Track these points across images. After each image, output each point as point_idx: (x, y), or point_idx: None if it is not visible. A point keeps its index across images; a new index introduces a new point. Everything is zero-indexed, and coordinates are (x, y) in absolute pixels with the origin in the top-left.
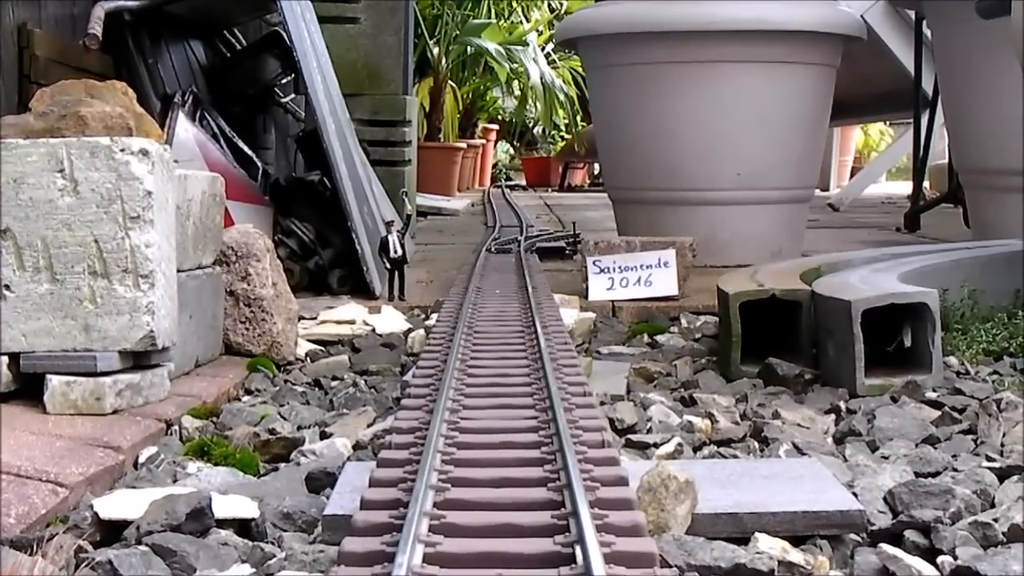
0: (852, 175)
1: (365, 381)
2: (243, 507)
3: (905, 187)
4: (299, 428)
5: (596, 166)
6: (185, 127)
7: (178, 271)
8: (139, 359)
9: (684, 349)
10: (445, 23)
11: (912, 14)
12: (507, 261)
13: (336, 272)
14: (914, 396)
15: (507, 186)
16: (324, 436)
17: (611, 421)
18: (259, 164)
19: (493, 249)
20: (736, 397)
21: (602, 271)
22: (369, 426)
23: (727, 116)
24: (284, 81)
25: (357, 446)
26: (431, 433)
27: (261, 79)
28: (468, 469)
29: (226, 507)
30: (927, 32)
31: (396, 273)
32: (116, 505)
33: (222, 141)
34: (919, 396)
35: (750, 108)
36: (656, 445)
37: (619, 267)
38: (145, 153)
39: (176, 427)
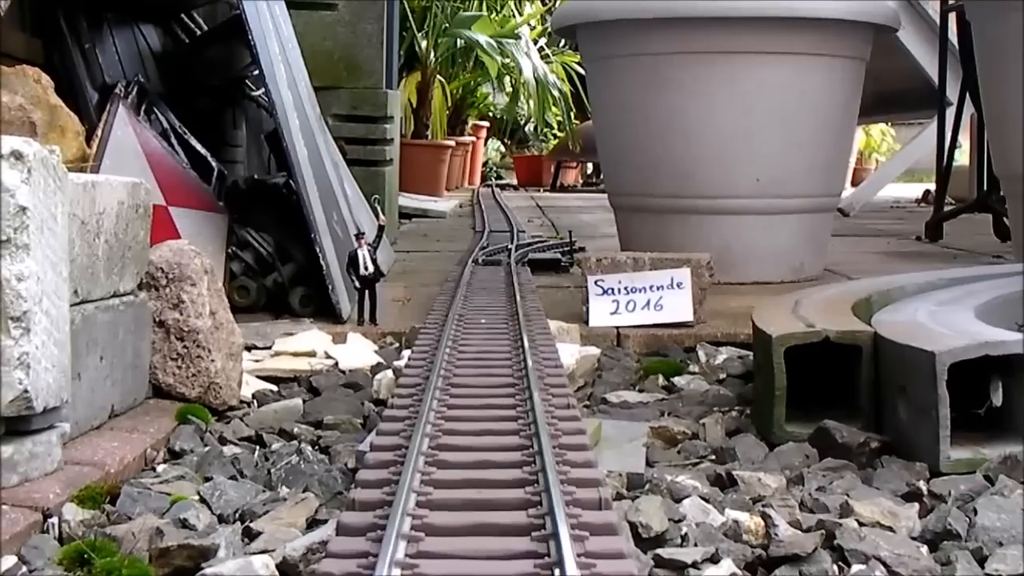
0: (854, 177)
1: (316, 442)
2: None
3: (911, 190)
4: (220, 519)
5: (589, 165)
6: (125, 122)
7: (84, 302)
8: (13, 425)
9: (708, 395)
10: (434, 15)
11: (935, 9)
12: (496, 276)
13: (298, 291)
14: (1013, 475)
15: (497, 185)
16: (248, 535)
17: (633, 526)
18: (214, 165)
19: (480, 260)
20: (787, 475)
21: (605, 292)
22: (308, 525)
23: (745, 114)
24: (256, 72)
25: (283, 567)
26: None
27: (228, 69)
28: None
29: None
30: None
31: (367, 293)
32: None
33: (173, 138)
34: (1020, 476)
35: (771, 105)
36: (696, 565)
37: (625, 288)
38: (19, 157)
39: (56, 520)
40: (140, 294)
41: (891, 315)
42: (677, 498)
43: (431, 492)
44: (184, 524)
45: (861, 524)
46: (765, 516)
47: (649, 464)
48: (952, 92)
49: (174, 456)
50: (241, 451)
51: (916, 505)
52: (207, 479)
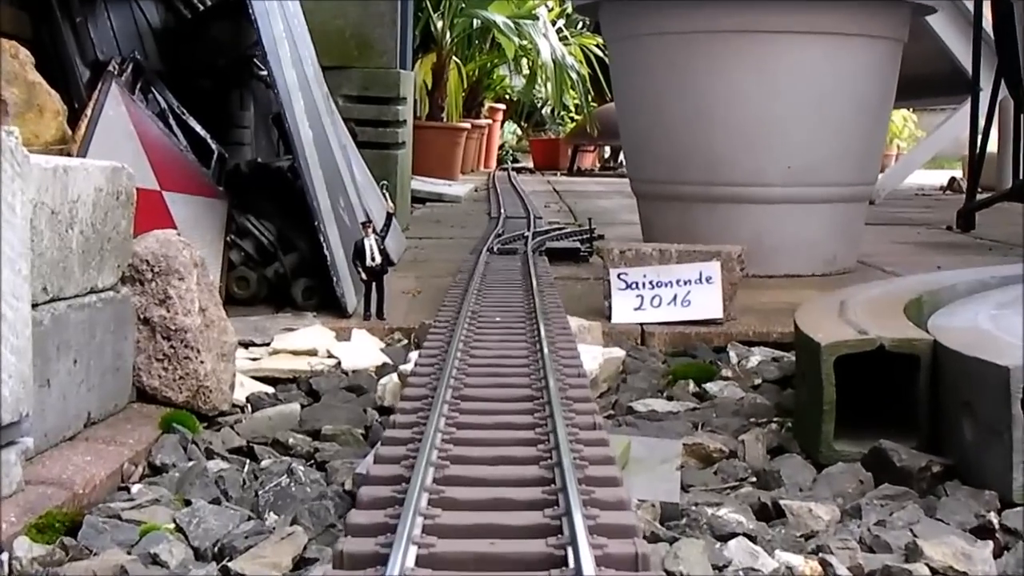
0: None
1: (312, 456)
2: None
3: (934, 177)
4: (196, 554)
5: (607, 149)
6: (118, 101)
7: (55, 299)
8: None
9: (743, 404)
10: None
11: None
12: (512, 267)
13: (301, 282)
14: None
15: (513, 169)
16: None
17: None
18: (215, 147)
19: (496, 249)
20: (840, 505)
21: (629, 287)
22: (294, 566)
23: (776, 98)
24: None
25: None
26: None
27: (234, 47)
28: None
29: None
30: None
31: (374, 285)
32: None
33: (171, 119)
34: None
35: (803, 88)
36: None
37: (650, 282)
38: None
39: (5, 556)
40: (122, 289)
41: (948, 319)
42: (719, 535)
43: (434, 544)
44: (155, 560)
45: (932, 570)
46: (824, 562)
47: (683, 488)
48: (983, 78)
49: (154, 471)
50: (228, 467)
51: (990, 544)
52: (187, 503)
